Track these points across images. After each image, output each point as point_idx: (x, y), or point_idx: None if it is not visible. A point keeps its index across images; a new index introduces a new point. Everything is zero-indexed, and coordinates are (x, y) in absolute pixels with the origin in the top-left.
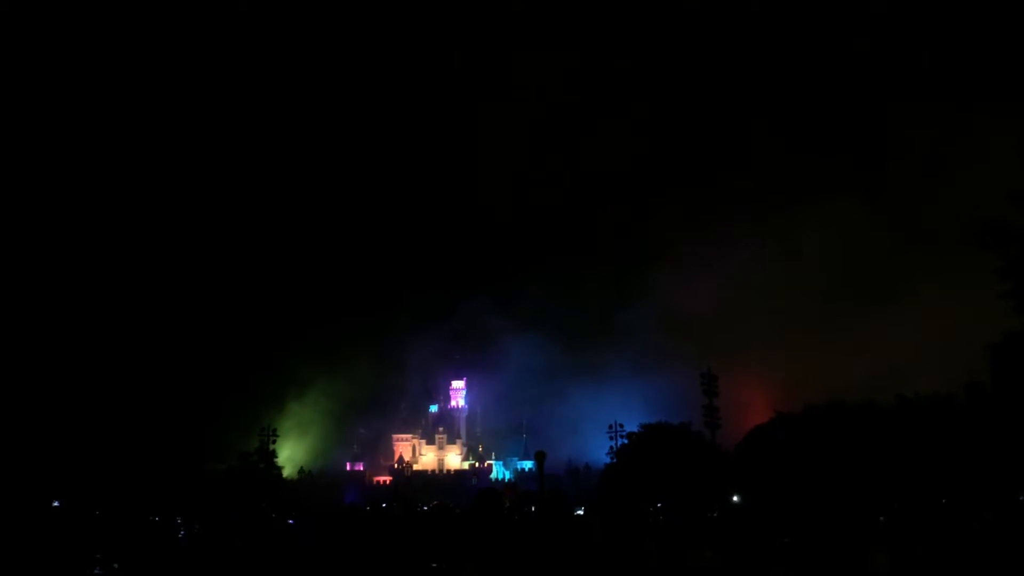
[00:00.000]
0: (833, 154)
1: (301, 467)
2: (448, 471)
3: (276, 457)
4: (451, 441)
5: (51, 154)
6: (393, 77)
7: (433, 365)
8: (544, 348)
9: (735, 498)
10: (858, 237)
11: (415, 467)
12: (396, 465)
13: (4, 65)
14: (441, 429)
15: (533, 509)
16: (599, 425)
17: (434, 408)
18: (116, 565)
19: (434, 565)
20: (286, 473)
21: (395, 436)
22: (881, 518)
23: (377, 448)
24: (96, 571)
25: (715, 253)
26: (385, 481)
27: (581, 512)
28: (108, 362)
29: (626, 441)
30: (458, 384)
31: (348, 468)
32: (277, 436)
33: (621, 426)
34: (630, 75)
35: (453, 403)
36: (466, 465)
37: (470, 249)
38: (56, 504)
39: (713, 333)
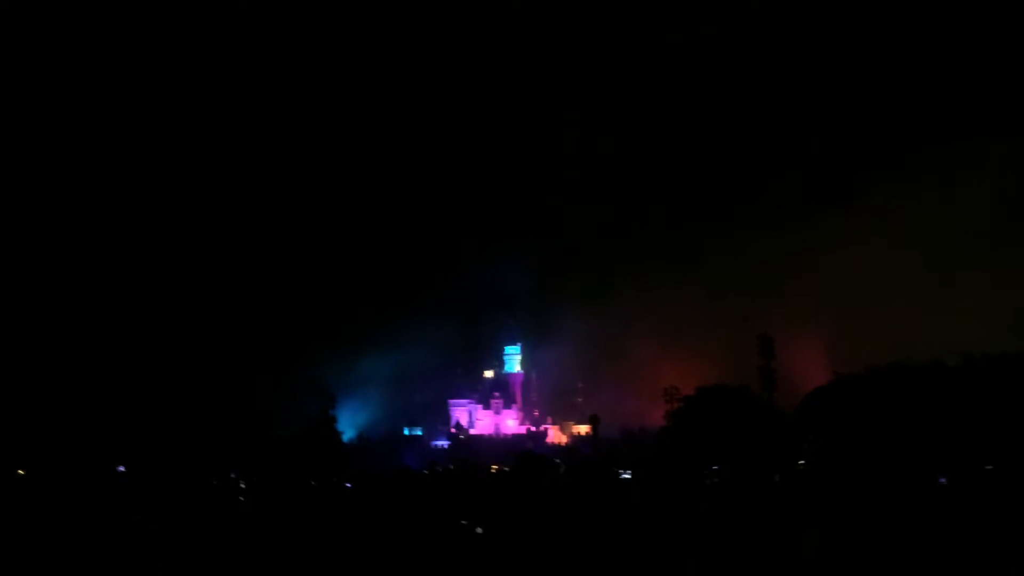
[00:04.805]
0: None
1: (360, 432)
2: (504, 435)
3: (336, 422)
4: (507, 406)
5: (70, 153)
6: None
7: (488, 330)
8: (601, 313)
9: (800, 462)
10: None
11: (472, 432)
12: (453, 430)
13: (3, 64)
14: (497, 394)
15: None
16: (655, 389)
17: (490, 373)
18: (151, 526)
19: (464, 522)
20: (346, 437)
21: (451, 401)
22: (942, 480)
23: (434, 413)
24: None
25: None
26: (443, 446)
27: (628, 475)
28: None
29: (682, 405)
30: (513, 349)
31: (407, 433)
32: (337, 402)
33: (677, 389)
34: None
35: (509, 368)
36: (523, 429)
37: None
38: (121, 469)
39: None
